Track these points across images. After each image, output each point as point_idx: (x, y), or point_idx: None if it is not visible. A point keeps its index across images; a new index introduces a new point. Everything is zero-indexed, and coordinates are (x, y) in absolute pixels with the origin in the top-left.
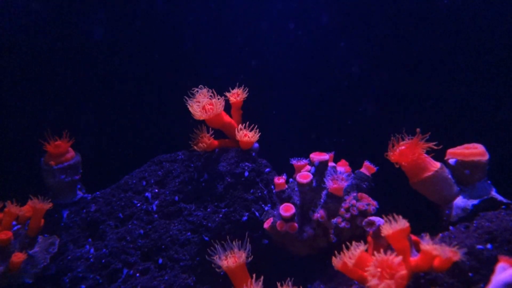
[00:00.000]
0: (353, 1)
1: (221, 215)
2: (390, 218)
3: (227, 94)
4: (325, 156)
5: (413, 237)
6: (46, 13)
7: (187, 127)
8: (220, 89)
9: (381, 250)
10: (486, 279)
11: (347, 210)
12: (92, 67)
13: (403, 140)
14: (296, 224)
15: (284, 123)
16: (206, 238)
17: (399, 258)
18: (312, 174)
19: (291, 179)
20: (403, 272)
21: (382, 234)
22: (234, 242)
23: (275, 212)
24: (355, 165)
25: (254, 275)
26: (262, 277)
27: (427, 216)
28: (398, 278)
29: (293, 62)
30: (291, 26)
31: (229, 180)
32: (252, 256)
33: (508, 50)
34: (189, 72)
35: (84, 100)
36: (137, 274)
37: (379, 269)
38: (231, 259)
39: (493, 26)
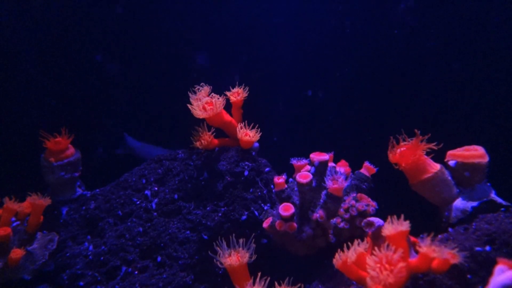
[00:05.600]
0: (353, 3)
1: (220, 214)
2: (391, 219)
3: (228, 93)
4: (325, 156)
5: (412, 238)
6: (46, 12)
7: (187, 125)
8: (220, 88)
9: (381, 249)
10: (485, 281)
11: (347, 210)
12: (92, 65)
13: (403, 141)
14: (295, 224)
15: (284, 123)
16: (205, 237)
17: (399, 254)
18: (312, 174)
19: (290, 179)
20: (402, 266)
21: (383, 234)
22: (236, 241)
23: (274, 211)
24: (355, 166)
25: (258, 274)
26: (268, 278)
27: (426, 218)
28: (397, 272)
29: (293, 61)
30: (292, 26)
31: (228, 179)
32: (255, 256)
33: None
34: (189, 71)
35: (84, 97)
36: (136, 272)
37: (378, 265)
38: (234, 258)
39: (492, 25)
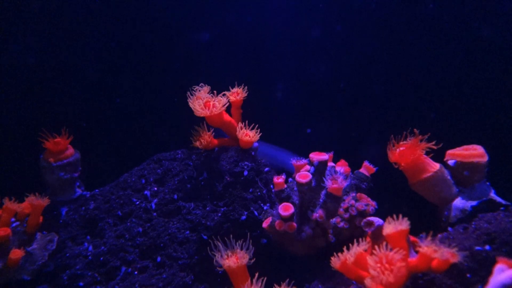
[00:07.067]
0: (352, 2)
1: (220, 214)
2: (391, 218)
3: (227, 93)
4: (324, 156)
5: (412, 238)
6: (46, 12)
7: (186, 125)
8: (219, 88)
9: (381, 248)
10: (484, 280)
11: (346, 210)
12: (92, 65)
13: (405, 139)
14: (295, 224)
15: (284, 123)
16: (205, 237)
17: (400, 254)
18: (311, 174)
19: (290, 179)
20: (402, 266)
21: (383, 233)
22: (235, 242)
23: (274, 211)
24: (354, 165)
25: (256, 275)
26: (264, 279)
27: (425, 217)
28: (397, 272)
29: (293, 60)
30: (291, 26)
31: (228, 179)
32: (254, 259)
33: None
34: (188, 70)
35: (84, 97)
36: (135, 272)
37: (379, 264)
38: (232, 259)
39: (492, 25)
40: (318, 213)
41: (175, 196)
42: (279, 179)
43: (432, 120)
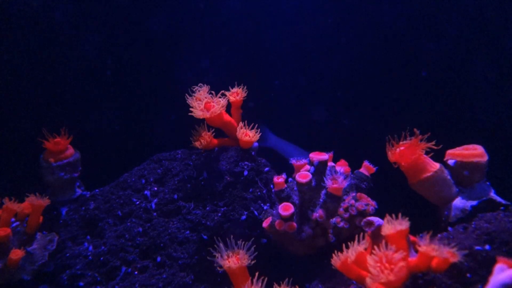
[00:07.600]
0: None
1: (220, 214)
2: (390, 218)
3: (227, 93)
4: (324, 156)
5: (412, 238)
6: (44, 11)
7: (186, 125)
8: (219, 88)
9: (380, 248)
10: (484, 280)
11: (346, 210)
12: (91, 65)
13: (405, 139)
14: (295, 224)
15: (284, 122)
16: (205, 237)
17: (400, 253)
18: (311, 173)
19: (290, 179)
20: (403, 265)
21: (383, 234)
22: (235, 242)
23: (274, 211)
24: (354, 165)
25: (256, 275)
26: (265, 278)
27: (425, 217)
28: (397, 271)
29: (292, 59)
30: (291, 25)
31: (228, 179)
32: (255, 260)
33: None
34: (188, 71)
35: (83, 98)
36: (136, 272)
37: (378, 264)
38: (233, 259)
39: (492, 24)
40: (318, 213)
41: (175, 196)
42: (279, 179)
43: (432, 119)
